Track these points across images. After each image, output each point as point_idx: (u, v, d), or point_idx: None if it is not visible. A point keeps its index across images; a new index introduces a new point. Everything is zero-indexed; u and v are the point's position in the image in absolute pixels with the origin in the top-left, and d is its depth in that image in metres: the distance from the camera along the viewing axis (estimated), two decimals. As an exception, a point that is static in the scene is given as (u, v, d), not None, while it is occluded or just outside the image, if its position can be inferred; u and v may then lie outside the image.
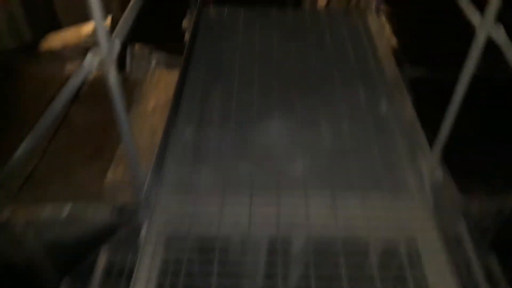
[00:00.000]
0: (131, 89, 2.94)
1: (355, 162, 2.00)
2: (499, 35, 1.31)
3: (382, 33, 2.86)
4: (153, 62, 3.51)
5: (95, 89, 2.57)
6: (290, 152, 2.02)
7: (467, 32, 1.54)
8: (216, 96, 2.44)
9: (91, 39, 3.69)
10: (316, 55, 2.73)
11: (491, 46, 1.38)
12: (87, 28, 3.63)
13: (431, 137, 2.27)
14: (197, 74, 2.62)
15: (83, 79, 1.26)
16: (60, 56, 3.44)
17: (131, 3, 1.60)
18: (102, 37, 1.22)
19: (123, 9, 1.75)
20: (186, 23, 3.12)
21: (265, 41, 2.88)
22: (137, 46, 3.55)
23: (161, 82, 2.97)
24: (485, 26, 1.36)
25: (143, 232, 1.68)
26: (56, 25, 4.24)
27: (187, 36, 3.08)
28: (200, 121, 2.23)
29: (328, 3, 5.34)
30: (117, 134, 1.64)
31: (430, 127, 2.31)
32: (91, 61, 1.24)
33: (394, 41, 3.00)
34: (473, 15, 1.39)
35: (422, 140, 2.01)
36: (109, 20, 3.73)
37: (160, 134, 2.12)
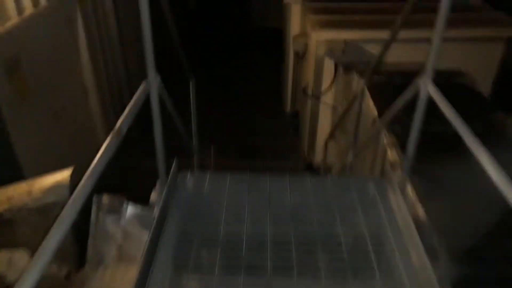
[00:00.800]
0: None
1: None
2: None
3: (408, 215, 2.17)
4: (125, 216, 2.82)
5: None
6: None
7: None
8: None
9: (44, 199, 3.02)
10: (325, 253, 2.02)
11: None
12: (40, 183, 2.97)
13: None
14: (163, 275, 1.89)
15: None
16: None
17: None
18: None
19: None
20: (154, 196, 2.46)
21: (258, 221, 2.18)
22: (105, 197, 2.87)
23: (115, 283, 2.22)
24: None
25: None
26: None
27: (155, 212, 2.41)
28: None
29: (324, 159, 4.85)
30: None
31: None
32: None
33: (426, 224, 2.31)
34: None
35: None
36: (68, 173, 3.10)
37: None
